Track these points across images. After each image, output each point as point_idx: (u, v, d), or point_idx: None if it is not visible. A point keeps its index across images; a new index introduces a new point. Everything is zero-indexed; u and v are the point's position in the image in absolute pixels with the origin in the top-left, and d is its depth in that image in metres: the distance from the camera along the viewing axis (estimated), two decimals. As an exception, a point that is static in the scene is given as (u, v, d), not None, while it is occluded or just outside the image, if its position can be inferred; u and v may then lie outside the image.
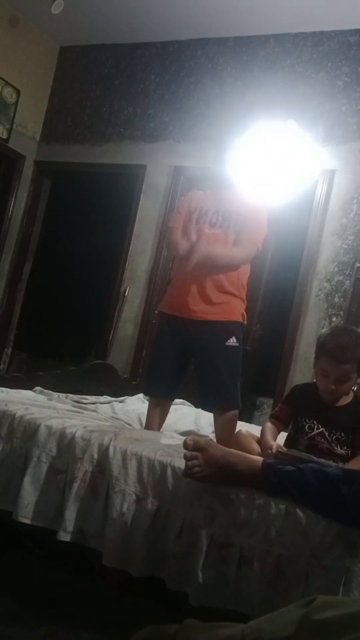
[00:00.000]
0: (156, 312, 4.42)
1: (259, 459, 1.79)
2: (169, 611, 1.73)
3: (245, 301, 2.65)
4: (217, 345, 2.51)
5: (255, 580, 1.65)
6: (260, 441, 2.15)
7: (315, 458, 1.95)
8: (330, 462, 1.95)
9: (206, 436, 2.77)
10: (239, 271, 2.60)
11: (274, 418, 2.28)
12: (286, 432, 2.28)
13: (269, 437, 2.14)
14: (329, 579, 1.58)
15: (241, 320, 2.59)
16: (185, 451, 1.77)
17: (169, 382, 2.63)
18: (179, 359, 2.62)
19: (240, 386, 2.61)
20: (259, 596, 1.64)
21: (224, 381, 2.52)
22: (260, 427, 3.14)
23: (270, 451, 2.01)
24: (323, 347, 2.10)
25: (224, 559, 1.71)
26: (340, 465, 1.97)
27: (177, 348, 2.60)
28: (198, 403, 3.33)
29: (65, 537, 1.97)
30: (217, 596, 1.69)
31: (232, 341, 2.53)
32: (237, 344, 2.55)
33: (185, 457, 1.75)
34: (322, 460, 1.95)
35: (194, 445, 1.75)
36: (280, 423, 2.25)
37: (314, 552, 1.61)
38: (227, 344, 2.52)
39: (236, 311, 2.57)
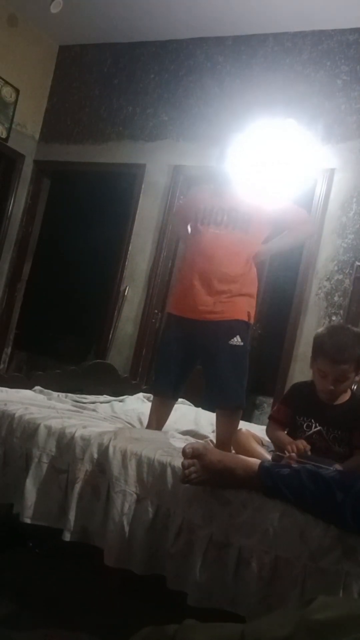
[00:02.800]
0: (156, 311, 4.45)
1: (257, 462, 1.78)
2: (169, 611, 1.73)
3: (255, 298, 2.62)
4: (221, 345, 2.49)
5: (253, 581, 1.65)
6: (283, 443, 2.08)
7: (332, 465, 1.92)
8: (334, 464, 1.93)
9: (206, 436, 2.78)
10: (249, 268, 2.58)
11: (275, 421, 2.27)
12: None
13: (286, 437, 2.12)
14: (327, 582, 1.57)
15: (246, 319, 2.54)
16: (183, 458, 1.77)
17: (174, 382, 2.62)
18: (185, 358, 2.61)
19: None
20: (256, 597, 1.64)
21: (228, 381, 2.50)
22: (260, 426, 3.15)
23: (299, 449, 1.98)
24: (320, 348, 2.08)
25: (222, 560, 1.70)
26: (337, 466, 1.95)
27: (183, 348, 2.59)
28: (203, 402, 3.32)
29: (69, 536, 1.97)
30: (215, 597, 1.69)
31: (237, 340, 2.49)
32: (242, 343, 2.51)
33: (183, 465, 1.75)
34: (335, 464, 1.93)
35: (192, 453, 1.75)
36: (282, 425, 2.24)
37: (312, 555, 1.60)
38: (231, 343, 2.49)
39: (241, 310, 2.53)
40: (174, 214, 3.06)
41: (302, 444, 2.01)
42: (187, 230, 2.81)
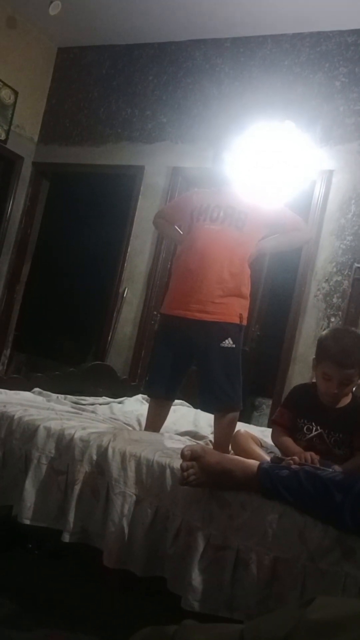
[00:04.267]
0: (155, 312, 4.45)
1: (255, 463, 1.78)
2: (169, 611, 1.73)
3: (248, 299, 2.60)
4: (212, 347, 2.48)
5: (252, 583, 1.65)
6: (292, 453, 2.06)
7: (331, 466, 1.91)
8: (333, 466, 1.93)
9: (205, 437, 2.78)
10: (243, 269, 2.57)
11: (280, 426, 2.26)
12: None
13: (296, 447, 2.11)
14: (327, 583, 1.57)
15: (238, 321, 2.53)
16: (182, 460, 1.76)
17: (168, 382, 2.60)
18: (179, 359, 2.59)
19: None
20: (255, 599, 1.63)
21: (221, 383, 2.48)
22: (259, 428, 3.15)
23: (306, 460, 1.95)
24: (326, 352, 2.06)
25: (220, 561, 1.70)
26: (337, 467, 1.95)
27: (176, 348, 2.57)
28: (197, 404, 3.33)
29: (68, 537, 1.97)
30: (211, 601, 1.69)
31: (228, 342, 2.48)
32: (234, 345, 2.50)
33: (181, 468, 1.75)
34: (334, 466, 1.93)
35: (191, 455, 1.75)
36: (286, 429, 2.23)
37: (311, 556, 1.60)
38: (222, 345, 2.47)
39: (233, 312, 2.52)
40: (158, 215, 3.00)
41: (312, 455, 1.99)
42: (175, 230, 2.81)
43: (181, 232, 2.77)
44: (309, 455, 1.98)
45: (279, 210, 2.68)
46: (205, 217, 2.58)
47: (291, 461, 1.88)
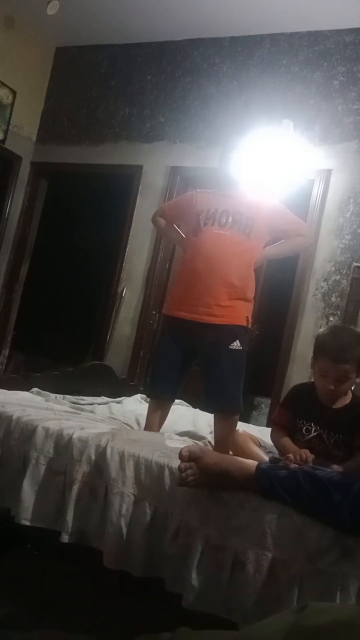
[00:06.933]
0: (154, 312, 4.44)
1: (254, 463, 1.77)
2: (166, 612, 1.73)
3: (253, 302, 2.62)
4: (221, 349, 2.49)
5: (250, 583, 1.64)
6: (288, 451, 2.06)
7: (336, 468, 1.90)
8: (332, 466, 1.92)
9: (204, 437, 2.77)
10: (249, 273, 2.58)
11: (278, 426, 2.25)
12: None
13: (293, 446, 2.10)
14: (325, 583, 1.56)
15: (245, 324, 2.56)
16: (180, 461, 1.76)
17: (171, 383, 2.62)
18: (182, 360, 2.60)
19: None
20: (253, 599, 1.63)
21: (227, 385, 2.50)
22: (257, 427, 3.15)
23: (302, 459, 1.95)
24: (322, 347, 2.07)
25: (218, 561, 1.70)
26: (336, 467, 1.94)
27: (180, 350, 2.58)
28: (201, 405, 3.32)
29: (67, 538, 1.97)
30: (210, 601, 1.69)
31: (236, 344, 2.50)
32: (241, 347, 2.52)
33: (180, 469, 1.74)
34: (334, 465, 1.92)
35: (189, 455, 1.74)
36: (285, 430, 2.22)
37: (310, 556, 1.60)
38: (231, 347, 2.49)
39: (241, 315, 2.54)
40: (157, 213, 2.95)
41: (306, 453, 1.98)
42: (175, 231, 2.81)
43: (182, 233, 2.77)
44: (304, 453, 1.98)
45: (284, 216, 2.69)
46: (214, 221, 2.59)
47: (288, 461, 1.88)
